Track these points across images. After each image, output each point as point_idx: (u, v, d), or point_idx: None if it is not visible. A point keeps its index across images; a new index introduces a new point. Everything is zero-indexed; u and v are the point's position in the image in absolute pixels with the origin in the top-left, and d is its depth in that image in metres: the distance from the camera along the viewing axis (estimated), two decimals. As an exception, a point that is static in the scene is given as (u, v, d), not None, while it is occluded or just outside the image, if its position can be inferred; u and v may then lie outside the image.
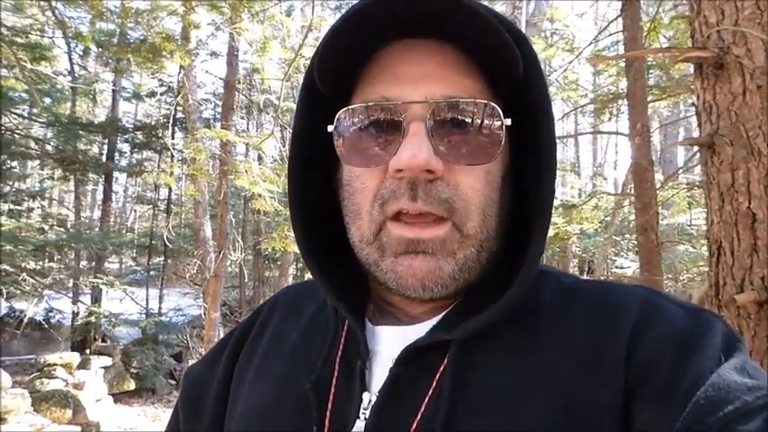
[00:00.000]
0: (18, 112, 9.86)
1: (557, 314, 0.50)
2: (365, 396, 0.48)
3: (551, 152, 0.50)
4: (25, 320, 8.93)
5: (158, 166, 11.44)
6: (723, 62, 1.20)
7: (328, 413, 0.49)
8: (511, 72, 0.48)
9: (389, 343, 0.51)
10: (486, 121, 0.47)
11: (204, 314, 6.81)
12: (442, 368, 0.47)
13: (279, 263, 10.39)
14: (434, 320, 0.51)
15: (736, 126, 1.23)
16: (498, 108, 0.47)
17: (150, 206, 12.97)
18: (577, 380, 0.45)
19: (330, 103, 0.51)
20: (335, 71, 0.50)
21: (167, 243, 8.10)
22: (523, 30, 5.37)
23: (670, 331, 0.45)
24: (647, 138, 2.22)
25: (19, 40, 8.33)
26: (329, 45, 0.47)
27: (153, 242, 11.34)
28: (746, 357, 0.44)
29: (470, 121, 0.47)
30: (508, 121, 0.48)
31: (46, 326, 9.26)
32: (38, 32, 8.68)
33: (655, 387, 0.42)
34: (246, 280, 12.36)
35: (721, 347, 0.43)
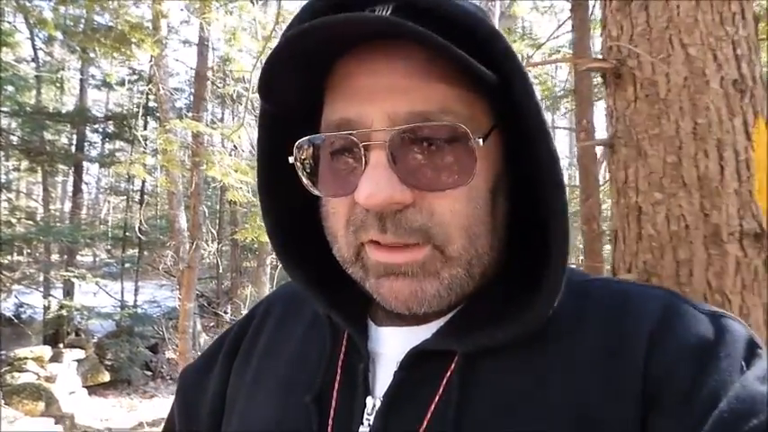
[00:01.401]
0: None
1: (569, 319, 0.46)
2: (369, 401, 0.46)
3: (548, 149, 0.43)
4: (-6, 315, 8.76)
5: (130, 156, 11.25)
6: (620, 72, 1.35)
7: (330, 420, 0.47)
8: (482, 74, 0.41)
9: (393, 345, 0.49)
10: (455, 143, 0.42)
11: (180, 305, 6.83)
12: (448, 374, 0.45)
13: (257, 253, 10.41)
14: (440, 322, 0.48)
15: (629, 129, 1.40)
16: (467, 128, 0.41)
17: (124, 198, 12.77)
18: (593, 392, 0.42)
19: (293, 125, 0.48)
20: (285, 94, 0.46)
21: (141, 235, 8.04)
22: (497, 22, 5.46)
23: (689, 338, 0.42)
24: (591, 133, 2.37)
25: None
26: (273, 69, 0.42)
27: (127, 234, 11.21)
28: (767, 365, 0.41)
29: (439, 143, 0.42)
30: (480, 142, 0.42)
31: (16, 321, 9.11)
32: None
33: (672, 399, 0.40)
34: (224, 271, 12.33)
35: (743, 355, 0.41)
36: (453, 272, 0.44)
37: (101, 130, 10.84)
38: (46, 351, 7.60)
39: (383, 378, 0.47)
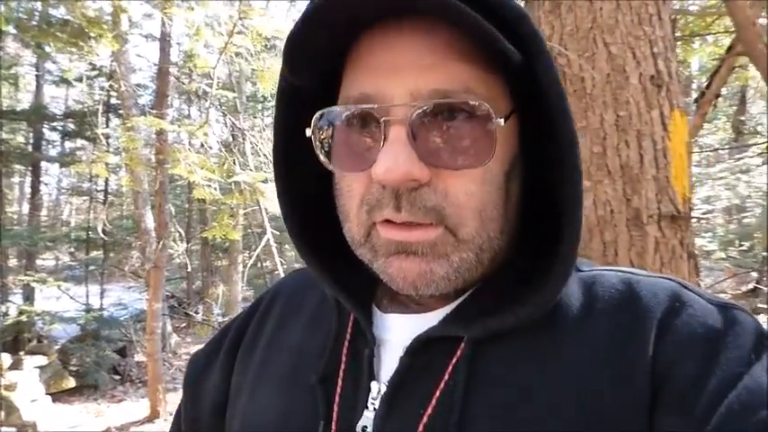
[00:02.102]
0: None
1: (577, 309, 0.46)
2: (374, 386, 0.46)
3: (570, 143, 0.44)
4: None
5: (92, 155, 10.93)
6: None
7: (336, 406, 0.47)
8: (507, 54, 0.41)
9: (399, 331, 0.49)
10: (475, 122, 0.42)
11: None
12: (455, 360, 0.45)
13: (228, 251, 10.29)
14: (447, 309, 0.48)
15: None
16: (490, 105, 0.41)
17: (87, 198, 12.39)
18: (601, 382, 0.42)
19: (311, 101, 0.47)
20: (310, 64, 0.45)
21: (105, 236, 7.83)
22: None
23: (697, 329, 0.42)
24: None
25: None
26: (300, 35, 0.42)
27: (91, 235, 10.90)
28: None
29: (459, 121, 0.42)
30: (501, 122, 0.42)
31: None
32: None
33: (681, 389, 0.40)
34: (194, 270, 12.15)
35: (751, 347, 0.40)
36: (464, 255, 0.44)
37: (60, 128, 10.49)
38: (5, 359, 7.34)
39: (389, 364, 0.47)
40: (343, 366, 0.49)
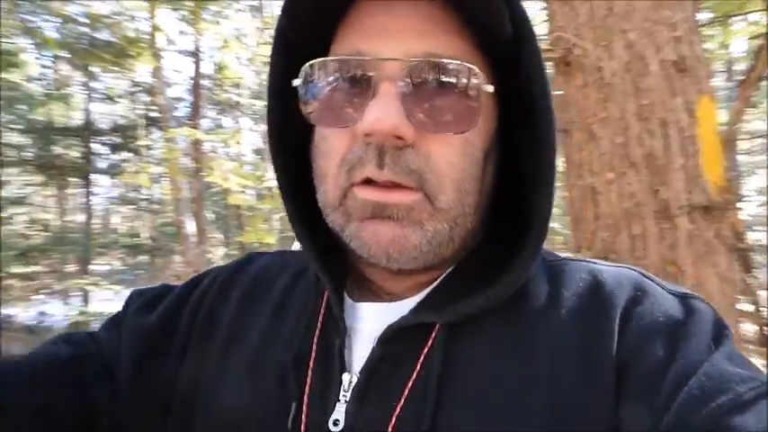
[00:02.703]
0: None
1: (545, 298, 0.47)
2: (345, 377, 0.45)
3: (549, 122, 0.45)
4: (17, 325, 9.05)
5: (136, 166, 11.50)
6: (569, 60, 1.43)
7: (306, 397, 0.46)
8: (497, 33, 0.43)
9: (370, 321, 0.48)
10: (465, 87, 0.42)
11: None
12: (426, 350, 0.45)
13: (265, 255, 10.51)
14: (417, 298, 0.48)
15: (580, 114, 1.48)
16: (481, 72, 0.42)
17: (133, 206, 13.04)
18: (571, 367, 0.42)
19: (304, 59, 0.46)
20: (308, 19, 0.46)
21: (151, 242, 8.22)
22: None
23: (658, 318, 0.43)
24: None
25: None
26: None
27: (137, 242, 11.45)
28: (733, 346, 0.42)
29: (449, 84, 0.42)
30: (490, 88, 0.43)
31: (38, 329, 9.39)
32: (5, 40, 8.66)
33: (642, 376, 0.41)
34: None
35: (710, 335, 0.42)
36: (438, 226, 0.44)
37: (107, 141, 11.09)
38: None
39: (360, 354, 0.46)
40: (313, 355, 0.48)
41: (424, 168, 0.42)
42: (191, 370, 0.54)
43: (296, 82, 0.46)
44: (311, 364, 0.47)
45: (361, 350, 0.47)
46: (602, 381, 0.41)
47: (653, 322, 0.43)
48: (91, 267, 10.97)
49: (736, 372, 0.39)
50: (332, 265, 0.50)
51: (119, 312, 0.60)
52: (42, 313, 9.81)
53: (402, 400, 0.43)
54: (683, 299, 0.45)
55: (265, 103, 0.52)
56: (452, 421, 0.42)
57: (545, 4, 1.65)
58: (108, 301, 9.87)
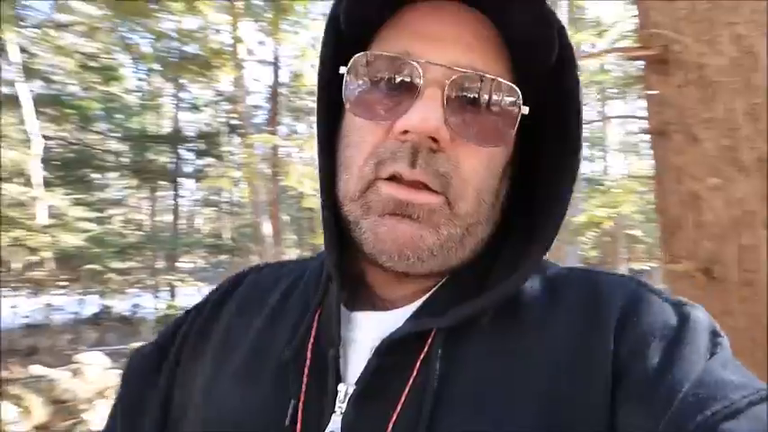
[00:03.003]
0: (96, 129, 11.00)
1: (543, 306, 0.47)
2: (341, 387, 0.45)
3: (574, 152, 0.47)
4: (114, 315, 10.02)
5: (218, 171, 12.31)
6: (666, 59, 1.32)
7: (300, 406, 0.45)
8: (543, 56, 0.45)
9: (366, 330, 0.47)
10: (503, 103, 0.44)
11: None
12: (422, 356, 0.44)
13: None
14: (413, 307, 0.48)
15: (679, 115, 1.37)
16: (519, 92, 0.44)
17: (215, 208, 13.95)
18: (567, 374, 0.43)
19: (352, 50, 0.47)
20: (364, 16, 0.47)
21: (232, 242, 8.74)
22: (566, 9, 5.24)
23: (654, 326, 0.43)
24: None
25: (93, 64, 9.30)
26: None
27: (219, 242, 12.23)
28: (729, 353, 0.42)
29: (488, 99, 0.44)
30: (526, 109, 0.45)
31: (132, 319, 10.34)
32: (106, 56, 9.63)
33: (638, 383, 0.41)
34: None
35: (705, 342, 0.42)
36: (452, 231, 0.45)
37: (193, 148, 11.97)
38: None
39: (355, 364, 0.46)
40: (307, 365, 0.47)
41: (451, 174, 0.44)
42: (182, 383, 0.54)
43: (343, 69, 0.47)
44: (305, 373, 0.47)
45: (356, 360, 0.46)
46: (598, 386, 0.42)
47: (649, 329, 0.43)
48: (178, 264, 11.87)
49: (730, 379, 0.39)
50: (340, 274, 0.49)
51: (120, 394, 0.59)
52: (136, 305, 10.77)
53: (398, 408, 0.43)
54: (679, 306, 0.45)
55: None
56: (449, 428, 0.41)
57: (629, 1, 1.55)
58: (192, 296, 10.64)
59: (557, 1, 5.16)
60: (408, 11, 0.46)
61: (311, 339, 0.48)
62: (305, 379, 0.46)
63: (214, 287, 0.63)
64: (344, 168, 0.47)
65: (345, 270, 0.50)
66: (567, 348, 0.44)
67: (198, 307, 0.60)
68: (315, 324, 0.49)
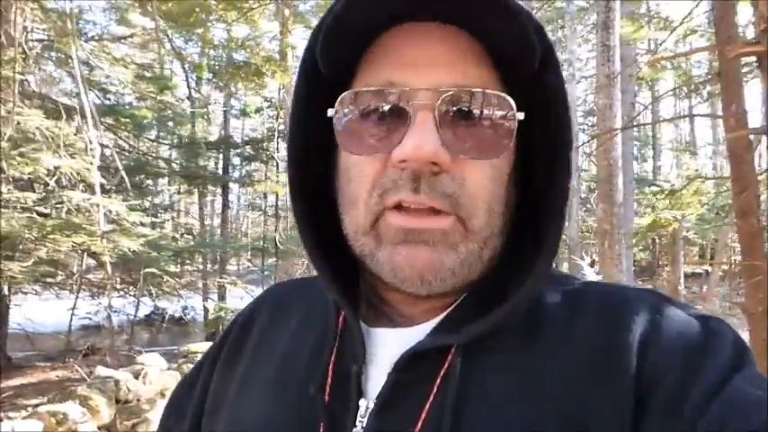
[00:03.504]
0: (149, 137, 11.50)
1: (561, 319, 0.47)
2: (362, 403, 0.45)
3: (567, 149, 0.47)
4: (167, 317, 10.41)
5: (265, 175, 12.60)
6: None
7: (323, 423, 0.45)
8: (527, 61, 0.45)
9: (386, 346, 0.48)
10: (497, 114, 0.44)
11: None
12: (442, 372, 0.44)
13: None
14: (433, 322, 0.47)
15: None
16: (511, 100, 0.44)
17: (261, 212, 14.29)
18: (587, 391, 0.42)
19: (328, 87, 0.48)
20: (341, 53, 0.46)
21: (278, 245, 8.91)
22: (619, 5, 5.03)
23: (679, 341, 0.43)
24: (743, 120, 2.03)
25: (146, 74, 9.75)
26: (337, 25, 0.44)
27: (265, 245, 12.49)
28: (755, 368, 0.42)
29: (480, 112, 0.44)
30: (521, 116, 0.45)
31: (183, 321, 10.70)
32: (160, 66, 10.07)
33: (663, 401, 0.40)
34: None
35: (732, 358, 0.41)
36: (470, 247, 0.45)
37: (241, 153, 12.30)
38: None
39: (376, 380, 0.46)
40: (329, 381, 0.47)
41: (458, 192, 0.43)
42: (213, 391, 0.56)
43: (330, 112, 0.47)
44: (327, 389, 0.47)
45: (377, 376, 0.46)
46: (621, 403, 0.41)
47: (674, 345, 0.43)
48: (227, 267, 12.21)
49: (757, 395, 0.38)
50: (348, 291, 0.50)
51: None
52: (187, 307, 11.16)
53: (419, 424, 0.43)
54: (703, 320, 0.45)
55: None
56: None
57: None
58: (241, 298, 10.93)
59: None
60: (385, 39, 0.46)
61: (333, 356, 0.49)
62: (327, 397, 0.47)
63: (241, 310, 0.64)
64: (350, 204, 0.47)
65: (359, 292, 0.51)
66: (588, 364, 0.43)
67: (225, 331, 0.62)
68: (336, 342, 0.49)
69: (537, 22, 0.45)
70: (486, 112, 0.44)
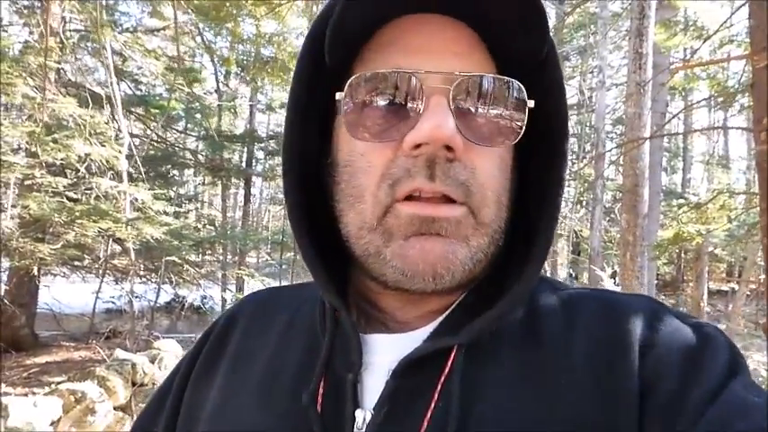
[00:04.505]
0: (177, 128, 11.73)
1: (560, 323, 0.46)
2: (358, 414, 0.43)
3: (564, 139, 0.47)
4: (186, 305, 10.61)
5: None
6: None
7: None
8: (532, 55, 0.45)
9: (380, 353, 0.46)
10: (509, 101, 0.44)
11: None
12: (444, 376, 0.43)
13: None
14: (429, 327, 0.46)
15: None
16: (523, 87, 0.44)
17: (282, 206, 14.44)
18: (591, 391, 0.42)
19: (329, 75, 0.46)
20: (347, 40, 0.45)
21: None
22: (654, 12, 4.90)
23: (676, 348, 0.43)
24: None
25: (175, 66, 9.95)
26: (345, 14, 0.42)
27: (284, 239, 12.62)
28: (750, 376, 0.42)
29: (493, 99, 0.43)
30: (531, 103, 0.44)
31: (201, 310, 10.90)
32: (190, 59, 10.25)
33: (662, 406, 0.40)
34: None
35: (729, 363, 0.42)
36: (481, 240, 0.44)
37: (265, 147, 12.44)
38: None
39: (372, 388, 0.44)
40: (320, 391, 0.45)
41: (470, 181, 0.43)
42: (187, 404, 0.54)
43: (339, 95, 0.44)
44: (319, 399, 0.45)
45: (373, 384, 0.45)
46: (624, 407, 0.41)
47: (670, 351, 0.43)
48: (246, 259, 12.39)
49: (754, 401, 0.38)
50: (344, 297, 0.48)
51: None
52: (206, 297, 11.36)
53: (423, 430, 0.41)
54: (698, 327, 0.45)
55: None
56: None
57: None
58: (257, 289, 11.06)
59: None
60: (390, 29, 0.45)
61: (323, 365, 0.46)
62: (319, 408, 0.44)
63: (213, 321, 0.62)
64: (355, 199, 0.45)
65: (350, 297, 0.50)
66: (589, 368, 0.43)
67: (197, 344, 0.59)
68: (326, 349, 0.47)
69: (544, 23, 0.44)
70: (498, 98, 0.43)
